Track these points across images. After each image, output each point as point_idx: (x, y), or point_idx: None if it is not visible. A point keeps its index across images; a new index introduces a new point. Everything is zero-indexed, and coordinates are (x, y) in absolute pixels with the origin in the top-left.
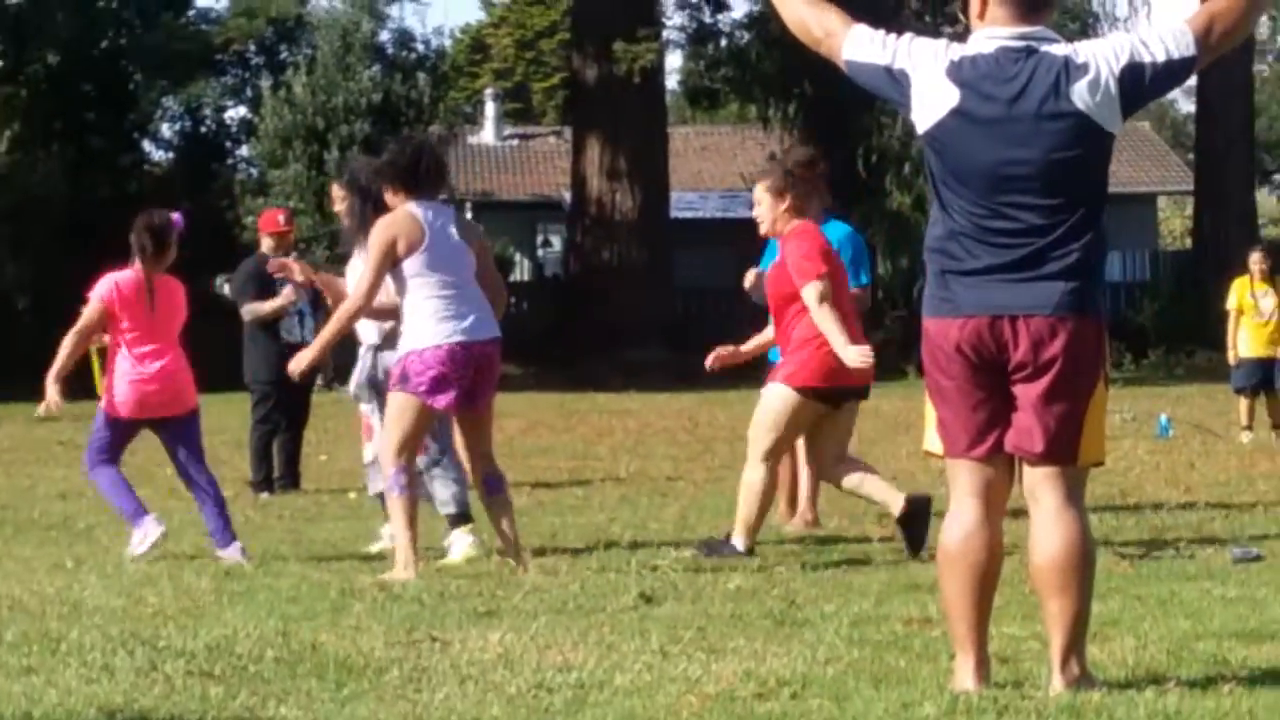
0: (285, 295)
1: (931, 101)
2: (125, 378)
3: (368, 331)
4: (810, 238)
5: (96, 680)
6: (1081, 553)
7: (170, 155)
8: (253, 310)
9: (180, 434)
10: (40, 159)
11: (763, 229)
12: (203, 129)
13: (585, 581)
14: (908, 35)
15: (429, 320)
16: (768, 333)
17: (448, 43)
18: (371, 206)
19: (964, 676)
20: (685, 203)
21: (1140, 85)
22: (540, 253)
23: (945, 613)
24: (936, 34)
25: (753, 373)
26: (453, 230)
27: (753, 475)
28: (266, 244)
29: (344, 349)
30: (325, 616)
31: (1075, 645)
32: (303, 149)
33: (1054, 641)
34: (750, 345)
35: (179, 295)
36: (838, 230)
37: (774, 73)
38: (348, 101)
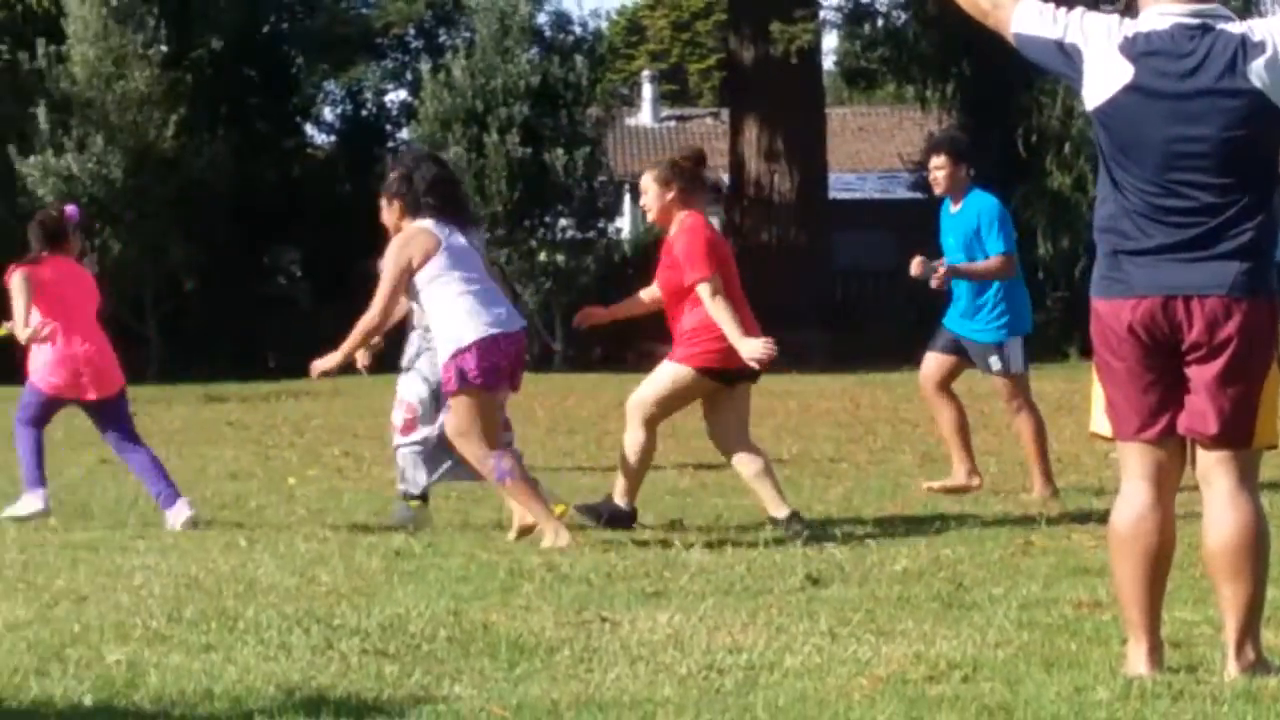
0: None
1: (1104, 77)
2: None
3: (420, 315)
4: (698, 232)
5: (274, 658)
6: (1256, 536)
7: (332, 139)
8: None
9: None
10: (206, 143)
11: (649, 218)
12: (364, 112)
13: (751, 563)
14: (1078, 9)
15: (466, 317)
16: (639, 296)
17: (604, 25)
18: (413, 193)
19: (1137, 661)
20: (843, 184)
21: None
22: None
23: (1117, 597)
24: (1096, 8)
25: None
26: (460, 237)
27: (638, 436)
28: None
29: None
30: (495, 596)
31: (1250, 630)
32: (462, 132)
33: (1228, 626)
34: (619, 306)
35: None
36: (981, 200)
37: (931, 53)
38: (506, 84)
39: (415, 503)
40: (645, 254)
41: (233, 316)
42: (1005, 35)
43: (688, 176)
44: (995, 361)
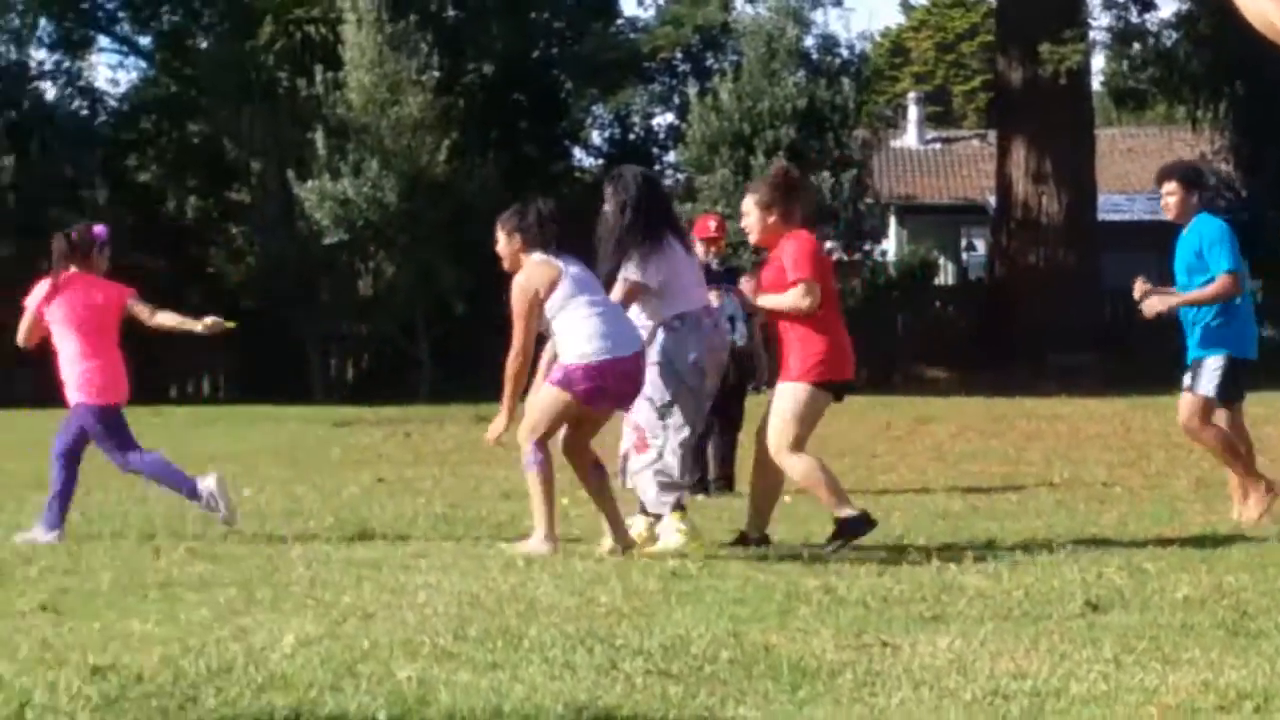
0: (712, 298)
1: None
2: None
3: (638, 316)
4: (807, 240)
5: (559, 677)
6: None
7: (600, 162)
8: None
9: None
10: (477, 167)
11: (752, 240)
12: (631, 136)
13: (1029, 588)
14: None
15: (585, 340)
16: None
17: (868, 47)
18: (639, 215)
19: None
20: (1112, 205)
21: None
22: (964, 256)
23: None
24: None
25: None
26: (575, 265)
27: (801, 466)
28: (699, 249)
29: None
30: (773, 618)
31: None
32: (729, 154)
33: None
34: None
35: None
36: (1205, 223)
37: (1202, 72)
38: (773, 107)
39: (676, 513)
40: (911, 277)
41: (502, 338)
42: None
43: (786, 196)
44: (1187, 378)
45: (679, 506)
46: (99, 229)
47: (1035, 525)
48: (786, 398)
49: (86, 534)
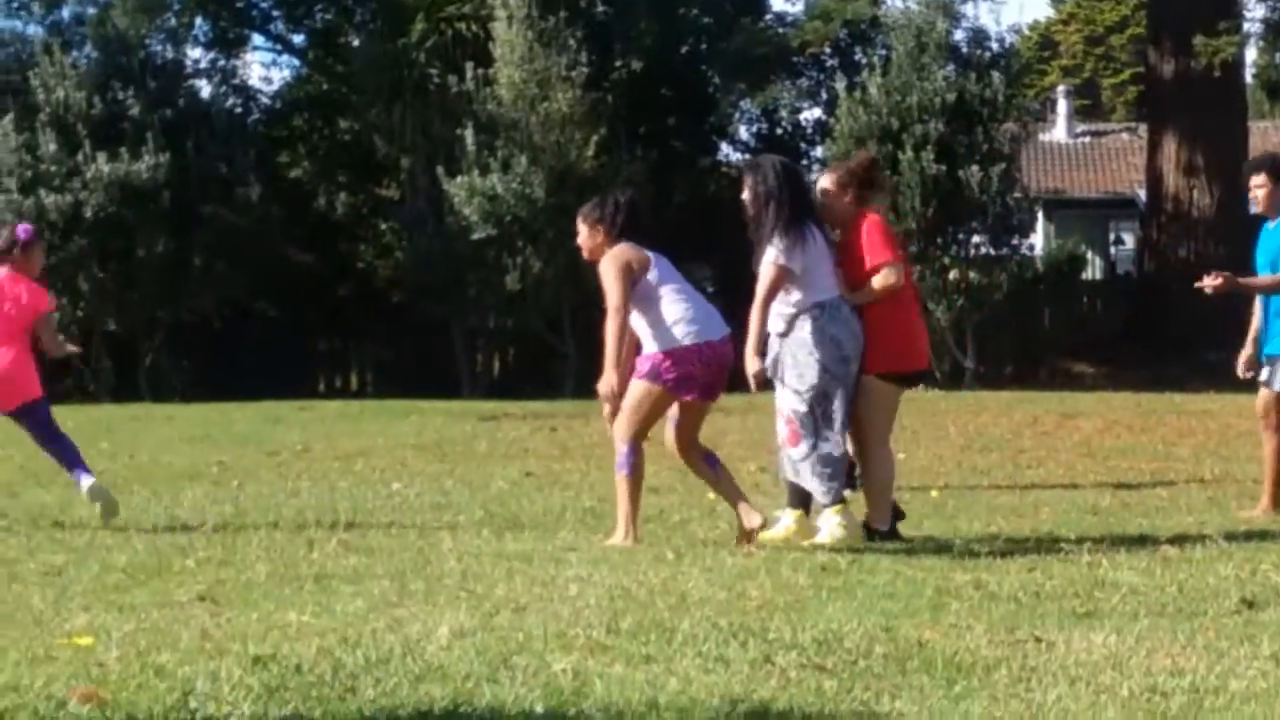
0: None
1: None
2: None
3: (775, 322)
4: (880, 223)
5: (713, 670)
6: None
7: (746, 158)
8: None
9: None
10: (624, 163)
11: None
12: (779, 131)
13: (1182, 585)
14: None
15: (673, 325)
16: None
17: (1017, 40)
18: (781, 204)
19: None
20: None
21: None
22: (1113, 250)
23: None
24: None
25: None
26: (658, 255)
27: (883, 455)
28: None
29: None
30: (925, 613)
31: None
32: (876, 149)
33: None
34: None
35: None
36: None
37: None
38: (921, 101)
39: (837, 508)
40: (1059, 271)
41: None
42: None
43: (863, 181)
44: (1265, 372)
45: (839, 499)
46: (22, 229)
47: (1187, 521)
48: (860, 392)
49: (240, 526)
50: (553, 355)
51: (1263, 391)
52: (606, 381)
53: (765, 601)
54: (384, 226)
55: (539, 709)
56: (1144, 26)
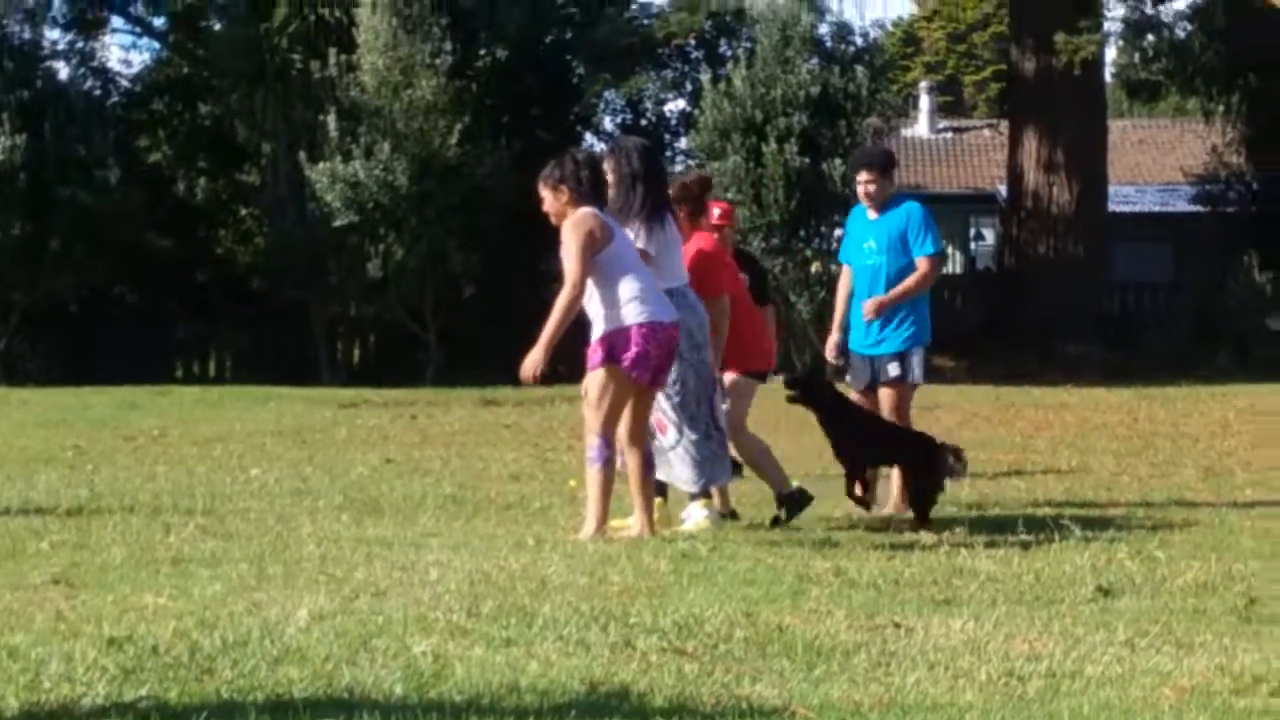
0: None
1: None
2: None
3: None
4: (705, 259)
5: (574, 654)
6: None
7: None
8: None
9: None
10: (488, 152)
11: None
12: (643, 122)
13: (1039, 573)
14: None
15: (629, 303)
16: None
17: (882, 36)
18: (642, 185)
19: None
20: (1122, 196)
21: None
22: (973, 246)
23: None
24: None
25: (1190, 368)
26: (620, 229)
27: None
28: None
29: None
30: (785, 599)
31: None
32: (740, 141)
33: None
34: None
35: None
36: (908, 205)
37: (1216, 65)
38: (786, 94)
39: (704, 501)
40: None
41: (510, 322)
42: None
43: (695, 199)
44: (895, 368)
45: (706, 491)
46: None
47: (1044, 512)
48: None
49: (95, 510)
50: (414, 343)
51: (890, 392)
52: (532, 361)
53: (626, 587)
54: (244, 212)
55: (399, 691)
56: (1006, 24)
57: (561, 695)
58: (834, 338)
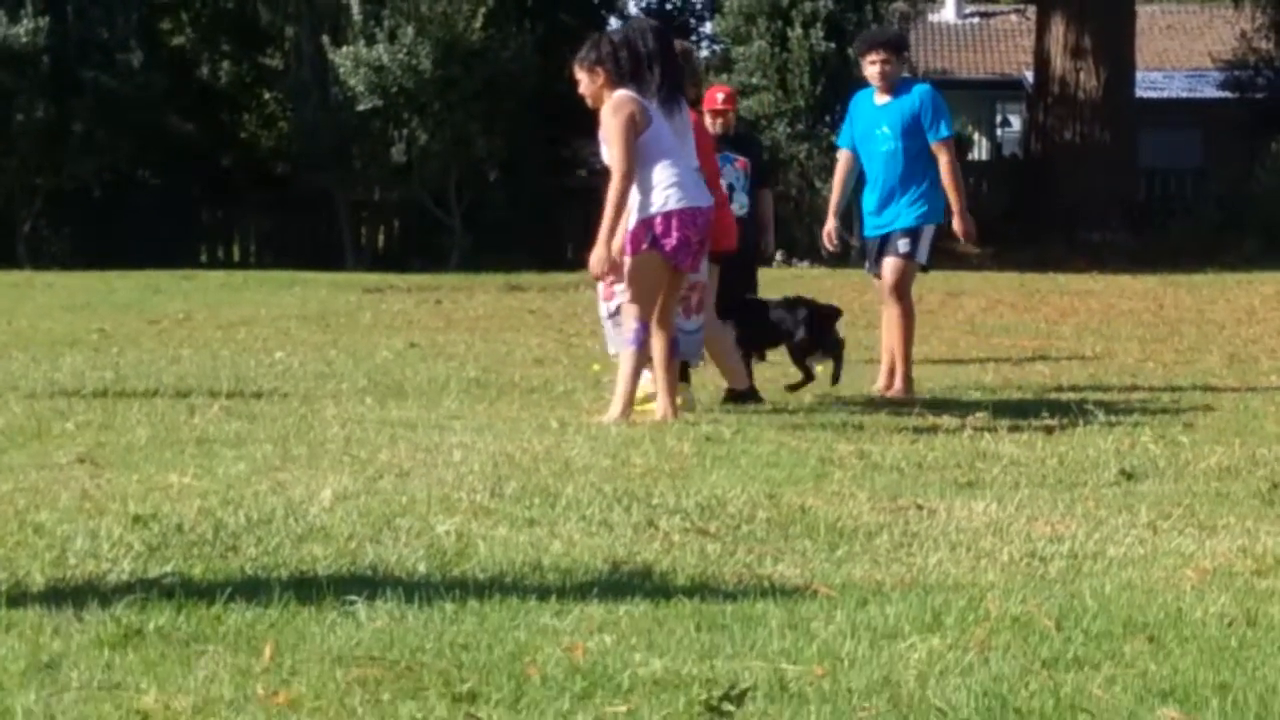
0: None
1: None
2: None
3: None
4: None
5: (596, 533)
6: None
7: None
8: None
9: None
10: (512, 35)
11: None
12: (668, 5)
13: (1063, 457)
14: None
15: (667, 189)
16: None
17: None
18: (658, 66)
19: None
20: (1150, 82)
21: None
22: (999, 132)
23: None
24: None
25: (1216, 255)
26: (657, 112)
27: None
28: (707, 121)
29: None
30: (808, 482)
31: None
32: (766, 25)
33: None
34: None
35: None
36: (919, 88)
37: None
38: None
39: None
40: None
41: (534, 207)
42: None
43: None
44: (904, 244)
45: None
46: None
47: (1069, 397)
48: None
49: (120, 392)
50: (439, 228)
51: (896, 262)
52: (599, 258)
53: (649, 469)
54: (268, 96)
55: (422, 568)
56: None
57: (585, 574)
58: (830, 224)
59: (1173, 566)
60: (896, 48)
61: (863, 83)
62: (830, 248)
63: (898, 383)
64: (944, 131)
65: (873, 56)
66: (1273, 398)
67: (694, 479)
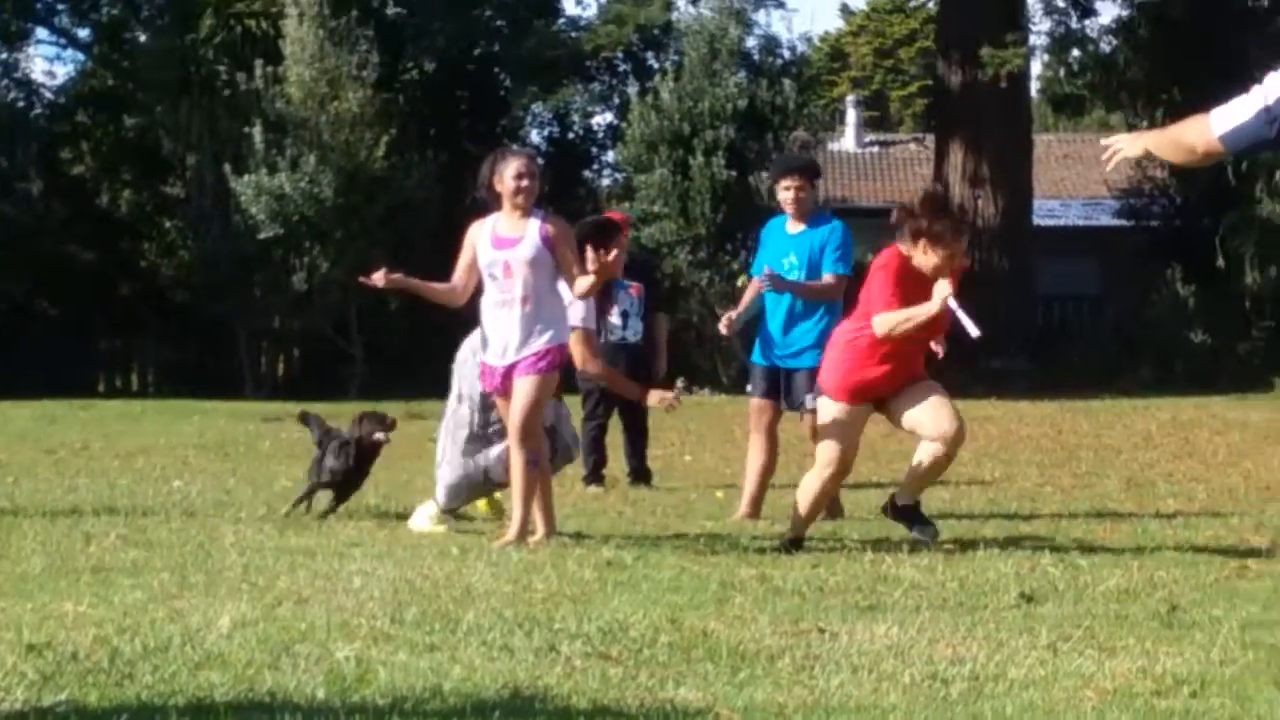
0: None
1: None
2: None
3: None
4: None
5: (498, 658)
6: None
7: (539, 161)
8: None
9: None
10: (415, 164)
11: None
12: (570, 135)
13: (963, 580)
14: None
15: (565, 318)
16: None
17: (809, 50)
18: None
19: None
20: (1047, 210)
21: None
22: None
23: None
24: None
25: (1114, 382)
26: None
27: None
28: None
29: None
30: (710, 606)
31: None
32: (668, 154)
33: None
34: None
35: None
36: (834, 222)
37: (1140, 79)
38: (713, 107)
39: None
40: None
41: (436, 336)
42: (1218, 153)
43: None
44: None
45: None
46: None
47: (968, 522)
48: None
49: (14, 520)
50: (340, 357)
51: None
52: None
53: (551, 594)
54: (169, 225)
55: (321, 695)
56: (933, 39)
57: (485, 699)
58: (732, 313)
59: (1073, 688)
60: (811, 174)
61: (770, 212)
62: (725, 331)
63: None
64: (842, 269)
65: (787, 182)
66: (1170, 521)
67: (596, 604)
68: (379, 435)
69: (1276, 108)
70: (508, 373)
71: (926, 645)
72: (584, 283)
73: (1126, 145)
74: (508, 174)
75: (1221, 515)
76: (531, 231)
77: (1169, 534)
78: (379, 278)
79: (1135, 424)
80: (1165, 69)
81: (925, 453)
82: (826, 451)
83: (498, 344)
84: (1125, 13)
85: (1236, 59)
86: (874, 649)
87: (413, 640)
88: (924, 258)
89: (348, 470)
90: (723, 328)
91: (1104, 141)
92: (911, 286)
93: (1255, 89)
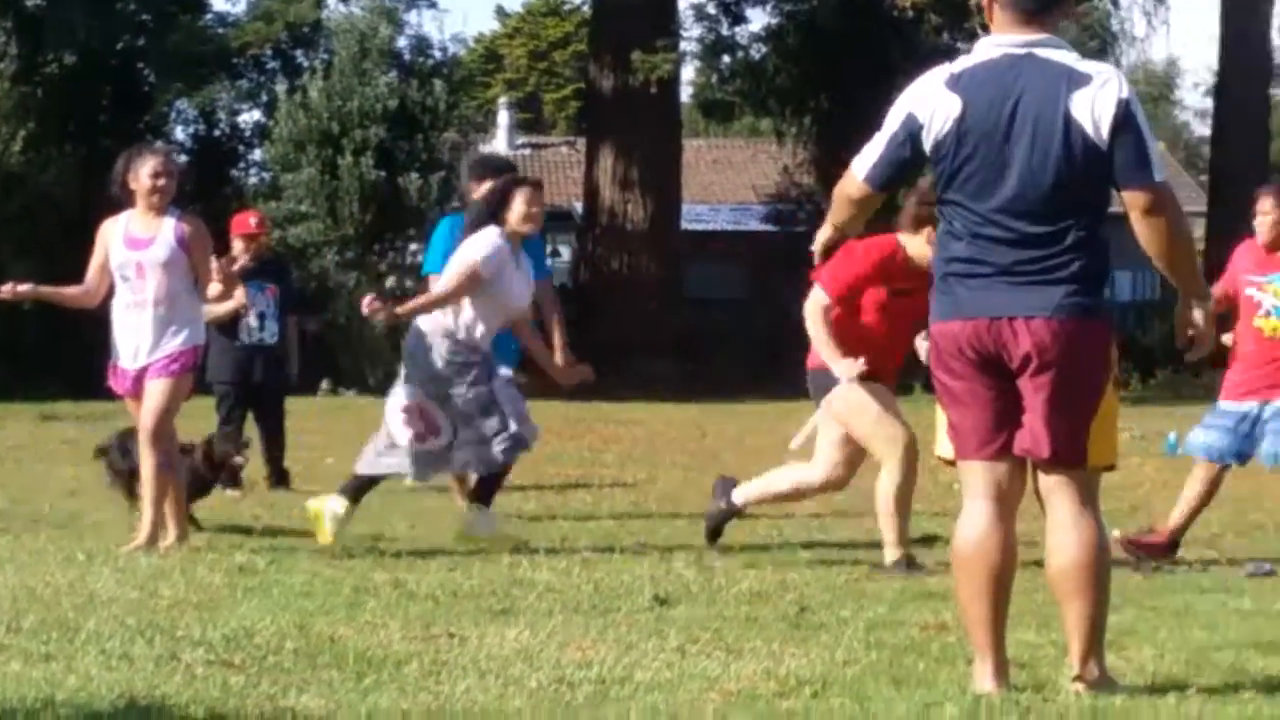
0: (237, 298)
1: (939, 115)
2: None
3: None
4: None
5: (116, 668)
6: (1097, 555)
7: (183, 158)
8: (208, 311)
9: None
10: (53, 159)
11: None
12: (216, 132)
13: (598, 583)
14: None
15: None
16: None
17: (462, 52)
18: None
19: (983, 679)
20: (695, 215)
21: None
22: (549, 262)
23: (962, 616)
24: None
25: (760, 386)
26: None
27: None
28: (237, 246)
29: (364, 354)
30: (341, 611)
31: (1094, 648)
32: (316, 153)
33: (1073, 645)
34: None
35: None
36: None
37: (789, 86)
38: (363, 106)
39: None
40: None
41: (71, 335)
42: (869, 194)
43: None
44: None
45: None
46: None
47: (608, 525)
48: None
49: None
50: None
51: None
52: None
53: (177, 600)
54: None
55: None
56: (586, 43)
57: (100, 709)
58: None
59: (698, 690)
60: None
61: (417, 213)
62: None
63: None
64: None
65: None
66: (806, 524)
67: (223, 610)
68: None
69: (910, 123)
70: (139, 376)
71: (556, 649)
72: (213, 289)
73: (820, 237)
74: (143, 172)
75: (857, 516)
76: (166, 232)
77: (803, 535)
78: (7, 290)
79: (779, 427)
80: (814, 76)
81: (797, 477)
82: (879, 442)
83: (129, 347)
84: (775, 20)
85: (883, 67)
86: (503, 653)
87: (28, 650)
88: (924, 249)
89: None
90: (365, 307)
91: None
92: (894, 278)
93: (890, 120)
